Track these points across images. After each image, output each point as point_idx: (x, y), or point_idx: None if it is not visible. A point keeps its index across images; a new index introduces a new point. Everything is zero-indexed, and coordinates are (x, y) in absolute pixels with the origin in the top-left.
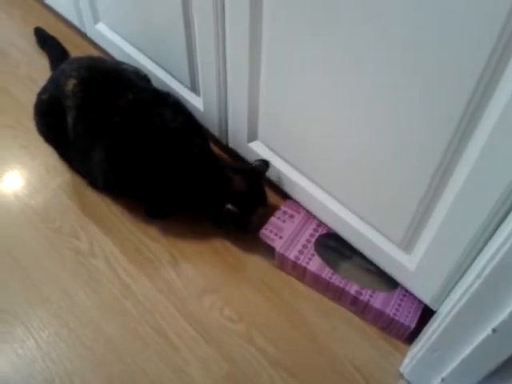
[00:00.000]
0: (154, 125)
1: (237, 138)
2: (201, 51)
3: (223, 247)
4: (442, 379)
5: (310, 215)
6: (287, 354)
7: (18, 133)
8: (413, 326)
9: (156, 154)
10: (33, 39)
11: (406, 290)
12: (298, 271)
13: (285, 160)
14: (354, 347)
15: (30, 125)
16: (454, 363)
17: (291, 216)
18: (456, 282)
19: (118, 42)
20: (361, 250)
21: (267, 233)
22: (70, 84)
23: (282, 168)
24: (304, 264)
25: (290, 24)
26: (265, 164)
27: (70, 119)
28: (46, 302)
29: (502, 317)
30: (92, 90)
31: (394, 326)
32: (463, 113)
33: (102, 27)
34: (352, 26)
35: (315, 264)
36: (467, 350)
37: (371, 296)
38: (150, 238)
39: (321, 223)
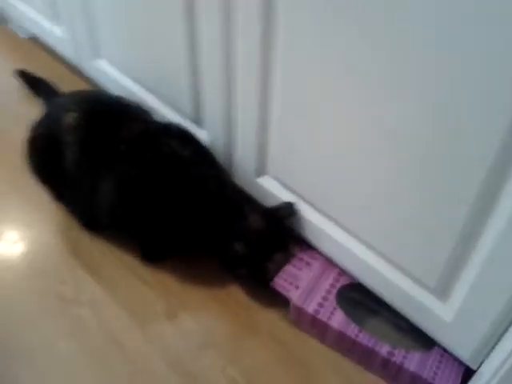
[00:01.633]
0: (163, 153)
1: (244, 172)
2: (207, 82)
3: (230, 296)
4: None
5: (329, 263)
6: None
7: (7, 170)
8: None
9: (167, 183)
10: None
11: (444, 350)
12: (318, 328)
13: (298, 196)
14: None
15: (19, 162)
16: None
17: (308, 263)
18: (500, 336)
19: (118, 77)
20: (389, 301)
21: (281, 282)
22: (70, 117)
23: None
24: (325, 319)
25: (303, 50)
26: (289, 207)
27: (69, 155)
28: (24, 353)
29: None
30: (94, 122)
31: None
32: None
33: (100, 63)
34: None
35: (338, 319)
36: None
37: (405, 357)
38: (145, 284)
39: (342, 272)
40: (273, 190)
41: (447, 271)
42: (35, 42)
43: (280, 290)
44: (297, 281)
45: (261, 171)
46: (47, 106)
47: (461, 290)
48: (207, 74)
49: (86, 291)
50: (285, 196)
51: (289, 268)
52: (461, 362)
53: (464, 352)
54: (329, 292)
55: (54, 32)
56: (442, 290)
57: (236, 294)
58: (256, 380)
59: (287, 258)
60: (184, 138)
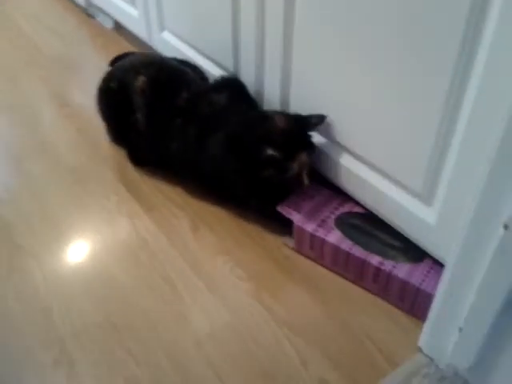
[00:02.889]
0: (213, 104)
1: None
2: (244, 41)
3: (245, 220)
4: (460, 329)
5: (330, 195)
6: (295, 315)
7: (74, 116)
8: None
9: (219, 123)
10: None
11: (433, 262)
12: (317, 247)
13: None
14: (370, 318)
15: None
16: (469, 303)
17: (311, 196)
18: None
19: (178, 45)
20: (381, 213)
21: (286, 207)
22: (140, 81)
23: None
24: (322, 236)
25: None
26: (320, 117)
27: (140, 115)
28: (61, 238)
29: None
30: (159, 86)
31: (421, 299)
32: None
33: (166, 35)
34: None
35: (334, 236)
36: (479, 277)
37: (394, 266)
38: (176, 206)
39: (342, 203)
40: None
41: (429, 175)
42: (117, 31)
43: (284, 213)
44: (300, 208)
45: (284, 106)
46: (121, 62)
47: (441, 193)
48: (245, 35)
49: (126, 206)
50: None
51: (293, 198)
52: None
53: (447, 256)
54: (328, 217)
55: (131, 14)
56: (427, 194)
57: (250, 218)
58: (256, 276)
59: (310, 159)
60: (226, 86)
